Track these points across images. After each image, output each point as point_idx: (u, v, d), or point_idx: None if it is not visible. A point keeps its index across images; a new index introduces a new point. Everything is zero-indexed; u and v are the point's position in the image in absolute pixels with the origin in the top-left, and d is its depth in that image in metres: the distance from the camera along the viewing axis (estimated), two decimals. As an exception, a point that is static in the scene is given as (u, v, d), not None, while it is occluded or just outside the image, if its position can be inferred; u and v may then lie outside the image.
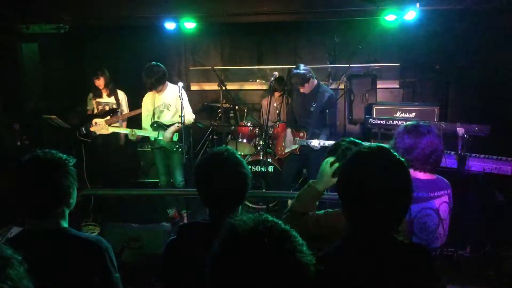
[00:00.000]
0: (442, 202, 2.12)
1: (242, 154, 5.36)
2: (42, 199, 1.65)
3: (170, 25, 4.95)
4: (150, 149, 5.38)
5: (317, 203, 2.02)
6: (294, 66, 4.38)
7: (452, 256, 3.67)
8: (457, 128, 3.80)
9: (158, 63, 4.44)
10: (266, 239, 1.00)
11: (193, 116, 4.71)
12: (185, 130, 4.39)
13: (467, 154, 3.85)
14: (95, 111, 5.16)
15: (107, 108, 5.14)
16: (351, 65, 5.75)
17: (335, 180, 1.92)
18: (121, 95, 5.22)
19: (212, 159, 1.71)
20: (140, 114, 4.76)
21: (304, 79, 4.28)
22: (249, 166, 4.36)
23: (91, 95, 5.20)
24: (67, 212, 1.75)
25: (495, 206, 4.02)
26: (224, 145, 1.82)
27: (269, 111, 4.62)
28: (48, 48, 5.23)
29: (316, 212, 1.97)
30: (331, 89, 5.17)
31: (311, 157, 4.46)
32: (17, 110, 4.77)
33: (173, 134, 4.52)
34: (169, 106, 4.57)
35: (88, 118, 5.08)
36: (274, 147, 5.15)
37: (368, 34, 5.67)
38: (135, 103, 5.11)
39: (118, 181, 5.28)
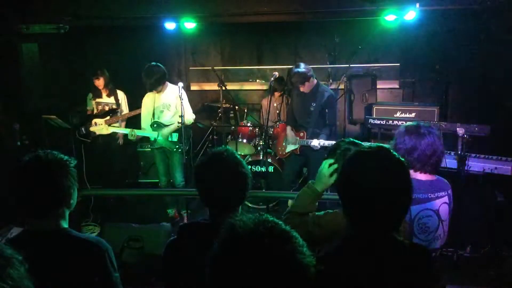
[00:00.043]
0: (442, 203, 2.12)
1: (242, 154, 5.36)
2: (43, 199, 1.65)
3: (170, 25, 4.95)
4: (150, 149, 5.39)
5: (317, 203, 2.02)
6: (294, 65, 4.38)
7: (452, 256, 3.67)
8: (457, 128, 3.80)
9: (158, 64, 4.44)
10: (266, 240, 1.00)
11: (193, 116, 4.71)
12: (185, 130, 4.39)
13: (467, 154, 3.85)
14: (95, 111, 5.16)
15: (106, 108, 5.14)
16: (351, 65, 5.76)
17: (333, 180, 1.92)
18: (121, 95, 5.22)
19: (212, 159, 1.71)
20: (139, 114, 4.76)
21: (305, 77, 4.28)
22: (249, 166, 4.36)
23: (90, 95, 5.20)
24: (67, 212, 1.75)
25: (495, 206, 4.02)
26: (223, 145, 1.82)
27: (269, 111, 4.62)
28: (48, 48, 5.22)
29: (316, 212, 1.97)
30: (331, 89, 5.17)
31: (311, 157, 4.46)
32: (17, 110, 4.77)
33: (171, 131, 4.52)
34: (169, 106, 4.56)
35: (88, 118, 5.08)
36: (274, 147, 5.15)
37: (368, 34, 5.67)
38: (135, 103, 5.11)
39: (118, 181, 5.28)
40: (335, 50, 6.35)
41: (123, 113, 5.13)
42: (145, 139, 5.04)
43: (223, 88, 5.52)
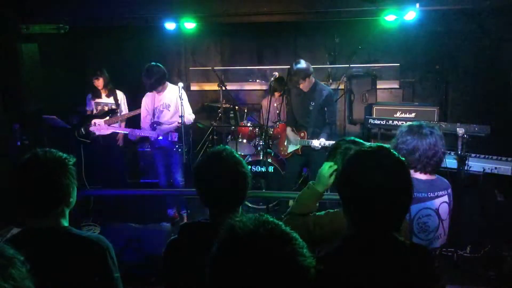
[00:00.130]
0: (442, 202, 2.12)
1: (242, 154, 5.35)
2: (42, 198, 1.64)
3: (170, 25, 4.95)
4: (150, 149, 5.39)
5: (317, 203, 2.02)
6: (294, 62, 4.37)
7: (452, 256, 3.67)
8: (457, 128, 3.80)
9: (158, 64, 4.44)
10: (266, 241, 1.00)
11: (193, 116, 4.71)
12: (185, 130, 4.39)
13: (467, 154, 3.85)
14: (94, 111, 5.16)
15: (106, 108, 5.13)
16: (351, 65, 5.76)
17: (332, 181, 1.93)
18: (120, 95, 5.21)
19: (211, 159, 1.71)
20: (139, 114, 4.76)
21: (307, 73, 4.28)
22: (249, 166, 4.35)
23: (90, 95, 5.20)
24: (67, 211, 1.74)
25: (495, 206, 4.02)
26: (221, 145, 1.82)
27: (269, 111, 4.62)
28: (48, 48, 5.22)
29: (317, 213, 1.98)
30: (331, 89, 5.17)
31: (312, 157, 4.46)
32: (17, 110, 4.77)
33: (170, 130, 4.51)
34: (169, 106, 4.57)
35: (87, 119, 5.07)
36: (276, 148, 5.15)
37: (368, 34, 5.67)
38: (135, 103, 5.11)
39: (118, 181, 5.28)
40: (335, 50, 6.35)
41: (122, 113, 5.12)
42: (145, 139, 5.04)
43: (223, 88, 5.53)
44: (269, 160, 4.97)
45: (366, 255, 1.33)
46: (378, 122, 4.60)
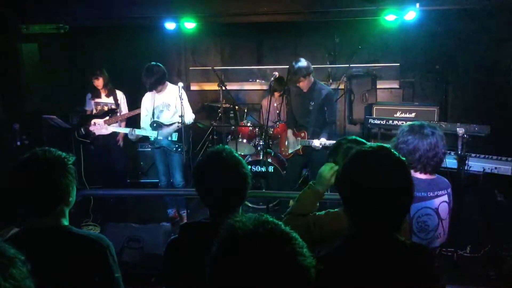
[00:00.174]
0: (441, 202, 2.12)
1: (242, 154, 5.35)
2: (42, 197, 1.64)
3: (170, 25, 4.96)
4: (150, 149, 5.39)
5: (317, 203, 2.02)
6: (294, 61, 4.37)
7: (452, 256, 3.67)
8: (457, 128, 3.80)
9: (158, 63, 4.44)
10: (266, 241, 1.00)
11: (193, 116, 4.71)
12: (185, 130, 4.39)
13: (467, 154, 3.85)
14: (94, 111, 5.16)
15: (106, 108, 5.13)
16: (351, 65, 5.76)
17: (333, 181, 1.92)
18: (120, 95, 5.21)
19: (210, 159, 1.71)
20: (139, 114, 4.76)
21: (308, 71, 4.28)
22: (249, 166, 4.35)
23: (89, 95, 5.20)
24: (67, 210, 1.74)
25: (495, 206, 4.02)
26: (220, 144, 1.81)
27: (269, 111, 4.62)
28: (48, 48, 5.22)
29: (317, 213, 1.97)
30: (331, 89, 5.17)
31: (313, 157, 4.46)
32: (17, 110, 4.77)
33: (171, 131, 4.52)
34: (169, 106, 4.56)
35: (87, 119, 5.07)
36: (277, 148, 5.15)
37: (368, 34, 5.68)
38: (134, 103, 5.11)
39: (118, 181, 5.28)
40: (335, 50, 6.36)
41: (122, 113, 5.12)
42: (145, 139, 5.04)
43: (223, 88, 5.53)
44: (269, 160, 4.97)
45: (366, 255, 1.33)
46: (378, 122, 4.60)
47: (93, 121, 4.94)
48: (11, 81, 4.69)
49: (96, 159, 5.23)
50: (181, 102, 4.27)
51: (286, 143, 4.75)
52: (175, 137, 4.52)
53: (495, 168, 3.85)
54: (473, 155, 3.93)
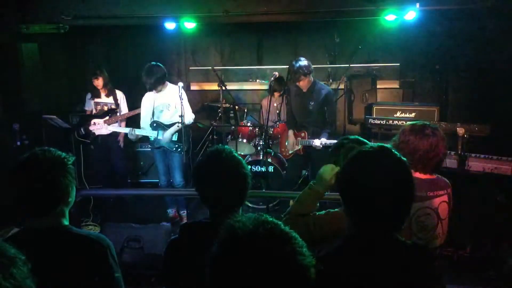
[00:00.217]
0: (441, 202, 2.12)
1: (242, 154, 5.35)
2: (41, 197, 1.64)
3: (170, 25, 4.96)
4: (150, 149, 5.39)
5: (318, 204, 2.02)
6: (294, 60, 4.37)
7: (452, 256, 3.67)
8: (457, 128, 3.80)
9: (158, 63, 4.44)
10: (266, 241, 1.00)
11: (193, 116, 4.71)
12: (185, 130, 4.39)
13: (467, 154, 3.85)
14: (94, 111, 5.16)
15: (105, 108, 5.13)
16: (351, 65, 5.76)
17: (333, 181, 1.92)
18: (120, 95, 5.21)
19: (210, 159, 1.71)
20: (139, 114, 4.76)
21: (308, 69, 4.29)
22: (249, 166, 4.35)
23: (89, 95, 5.20)
24: (66, 210, 1.74)
25: (495, 206, 4.02)
26: (220, 144, 1.81)
27: (269, 111, 4.62)
28: (48, 48, 5.23)
29: (317, 212, 1.97)
30: (331, 89, 5.17)
31: (313, 157, 4.46)
32: (17, 110, 4.77)
33: (172, 134, 4.52)
34: (169, 106, 4.56)
35: (87, 118, 5.07)
36: (277, 148, 5.15)
37: (368, 34, 5.68)
38: (134, 103, 5.11)
39: (118, 181, 5.28)
40: (335, 50, 6.36)
41: (122, 113, 5.12)
42: (145, 139, 5.04)
43: (223, 88, 5.53)
44: (269, 160, 4.97)
45: (366, 255, 1.33)
46: (378, 122, 4.60)
47: (93, 121, 4.94)
48: (11, 81, 4.69)
49: (96, 159, 5.23)
50: (181, 102, 4.27)
51: (286, 144, 4.75)
52: (175, 137, 4.52)
53: (495, 168, 3.85)
54: (473, 155, 3.93)
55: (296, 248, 1.01)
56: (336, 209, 1.96)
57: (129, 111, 5.15)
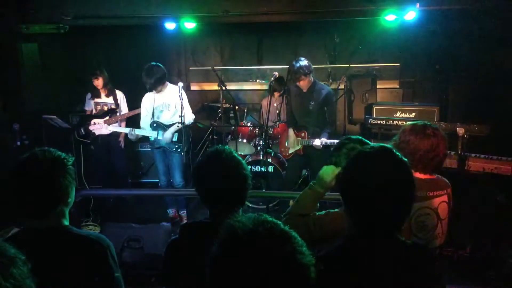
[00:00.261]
0: (441, 202, 2.12)
1: (242, 154, 5.36)
2: (41, 198, 1.64)
3: (170, 25, 4.96)
4: (150, 149, 5.39)
5: (318, 204, 2.02)
6: (294, 61, 4.37)
7: (452, 256, 3.67)
8: (457, 128, 3.80)
9: (158, 64, 4.44)
10: (266, 240, 1.00)
11: (193, 116, 4.71)
12: (185, 131, 4.39)
13: (467, 154, 3.85)
14: (94, 111, 5.16)
15: (105, 108, 5.13)
16: (351, 65, 5.76)
17: (334, 182, 1.92)
18: (120, 95, 5.21)
19: (210, 160, 1.71)
20: (139, 114, 4.76)
21: (308, 69, 4.29)
22: (249, 166, 4.36)
23: (89, 95, 5.20)
24: (66, 211, 1.74)
25: (495, 206, 4.02)
26: (220, 145, 1.81)
27: (269, 111, 4.62)
28: (48, 48, 5.23)
29: (317, 213, 1.97)
30: (331, 89, 5.17)
31: (313, 157, 4.46)
32: (17, 110, 4.77)
33: (173, 134, 4.52)
34: (169, 106, 4.56)
35: (87, 118, 5.07)
36: (276, 148, 5.15)
37: (368, 34, 5.68)
38: (135, 103, 5.11)
39: (119, 181, 5.29)
40: (335, 50, 6.36)
41: (122, 113, 5.12)
42: (145, 139, 5.04)
43: (223, 88, 5.53)
44: (269, 160, 4.98)
45: (367, 255, 1.33)
46: (378, 122, 4.60)
47: (93, 121, 4.94)
48: (11, 81, 4.69)
49: (96, 159, 5.23)
50: (181, 102, 4.27)
51: (286, 144, 4.75)
52: (175, 137, 4.52)
53: (495, 168, 3.85)
54: (473, 155, 3.93)
55: (296, 247, 1.02)
56: (336, 209, 1.96)
57: (129, 111, 5.15)
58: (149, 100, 4.61)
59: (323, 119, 4.43)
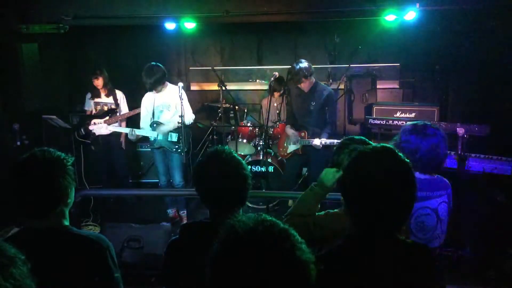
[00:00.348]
0: (441, 202, 2.12)
1: (242, 154, 5.36)
2: (40, 198, 1.63)
3: (170, 25, 4.96)
4: (150, 149, 5.39)
5: (318, 205, 2.01)
6: (295, 62, 4.38)
7: (452, 256, 3.67)
8: (457, 128, 3.80)
9: (158, 64, 4.44)
10: (265, 238, 1.00)
11: (193, 116, 4.71)
12: (185, 131, 4.39)
13: (467, 154, 3.85)
14: (94, 111, 5.16)
15: (105, 108, 5.13)
16: (351, 65, 5.76)
17: (334, 186, 1.91)
18: (120, 95, 5.21)
19: (210, 160, 1.71)
20: (139, 114, 4.76)
21: (309, 71, 4.29)
22: (249, 166, 4.36)
23: (89, 95, 5.20)
24: (66, 211, 1.74)
25: (495, 206, 4.02)
26: (220, 145, 1.81)
27: (269, 111, 4.62)
28: (48, 48, 5.23)
29: (317, 213, 1.97)
30: (331, 89, 5.17)
31: (313, 157, 4.46)
32: (17, 110, 4.77)
33: (170, 129, 4.51)
34: (169, 106, 4.56)
35: (87, 119, 5.07)
36: (276, 148, 5.15)
37: (368, 34, 5.68)
38: (134, 103, 5.11)
39: (119, 181, 5.28)
40: (335, 50, 6.36)
41: (122, 113, 5.12)
42: (145, 139, 5.04)
43: (223, 88, 5.53)
44: (269, 160, 4.97)
45: (367, 255, 1.33)
46: (378, 122, 4.61)
47: (93, 121, 4.94)
48: (11, 81, 4.69)
49: (96, 159, 5.23)
50: (181, 102, 4.27)
51: (285, 143, 4.75)
52: (175, 137, 4.52)
53: (495, 168, 3.86)
54: (473, 155, 3.94)
55: (295, 244, 1.02)
56: (335, 210, 1.96)
57: (129, 111, 5.15)
58: (149, 100, 4.60)
59: (323, 119, 4.44)
